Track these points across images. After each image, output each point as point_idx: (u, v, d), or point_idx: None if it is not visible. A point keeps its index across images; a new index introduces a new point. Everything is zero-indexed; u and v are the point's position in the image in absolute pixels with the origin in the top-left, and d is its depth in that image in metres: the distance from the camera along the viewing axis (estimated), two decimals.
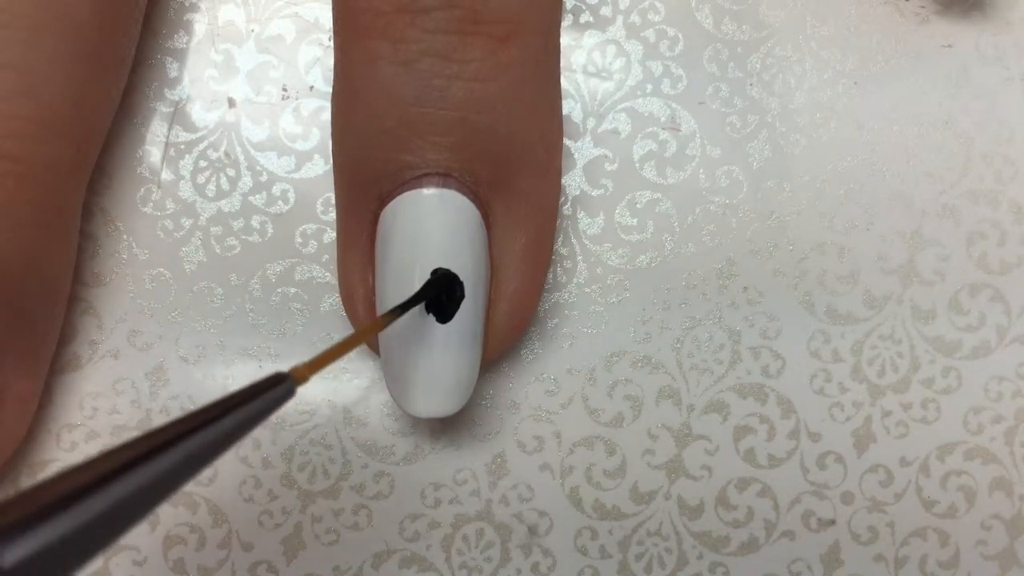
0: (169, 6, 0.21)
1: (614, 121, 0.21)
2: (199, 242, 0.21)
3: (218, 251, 0.21)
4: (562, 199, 0.21)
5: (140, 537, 0.20)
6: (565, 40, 0.21)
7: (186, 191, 0.21)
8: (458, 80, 0.16)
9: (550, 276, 0.21)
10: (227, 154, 0.21)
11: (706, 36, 0.21)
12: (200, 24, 0.21)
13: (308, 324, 0.21)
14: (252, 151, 0.21)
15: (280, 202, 0.21)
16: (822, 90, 0.21)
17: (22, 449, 0.20)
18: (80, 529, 0.09)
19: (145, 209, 0.21)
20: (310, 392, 0.21)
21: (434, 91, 0.16)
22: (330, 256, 0.21)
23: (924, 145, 0.21)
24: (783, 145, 0.21)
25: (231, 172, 0.21)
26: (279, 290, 0.21)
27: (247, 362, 0.21)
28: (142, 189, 0.21)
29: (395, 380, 0.17)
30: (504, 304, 0.18)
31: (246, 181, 0.21)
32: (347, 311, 0.19)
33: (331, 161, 0.19)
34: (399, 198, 0.17)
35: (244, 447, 0.20)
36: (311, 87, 0.21)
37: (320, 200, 0.21)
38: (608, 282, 0.21)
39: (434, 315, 0.17)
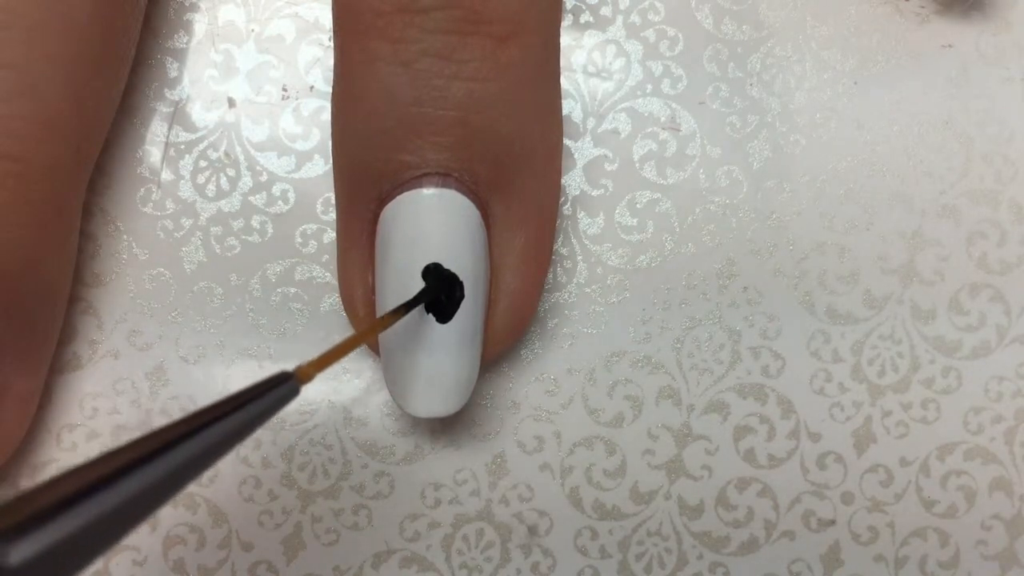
0: (169, 6, 0.21)
1: (614, 121, 0.21)
2: (199, 242, 0.21)
3: (218, 251, 0.21)
4: (562, 199, 0.21)
5: (140, 537, 0.20)
6: (565, 40, 0.21)
7: (186, 191, 0.21)
8: (457, 80, 0.16)
9: (550, 276, 0.21)
10: (227, 154, 0.21)
11: (706, 36, 0.21)
12: (200, 24, 0.21)
13: (308, 324, 0.21)
14: (252, 151, 0.21)
15: (280, 202, 0.21)
16: (822, 90, 0.21)
17: (22, 449, 0.20)
18: (85, 529, 0.09)
19: (145, 209, 0.21)
20: (310, 392, 0.21)
21: (434, 91, 0.16)
22: (330, 256, 0.21)
23: (924, 145, 0.21)
24: (783, 145, 0.21)
25: (231, 172, 0.21)
26: (279, 290, 0.21)
27: (247, 362, 0.21)
28: (142, 189, 0.21)
29: (395, 380, 0.17)
30: (504, 304, 0.18)
31: (246, 181, 0.21)
32: (347, 311, 0.19)
33: (331, 161, 0.19)
34: (399, 198, 0.17)
35: (244, 447, 0.20)
36: (311, 87, 0.21)
37: (320, 200, 0.21)
38: (608, 282, 0.21)
39: (434, 315, 0.17)
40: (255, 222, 0.21)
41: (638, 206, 0.21)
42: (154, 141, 0.21)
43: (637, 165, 0.21)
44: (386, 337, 0.17)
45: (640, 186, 0.21)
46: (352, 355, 0.21)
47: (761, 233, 0.21)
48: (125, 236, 0.21)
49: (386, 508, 0.20)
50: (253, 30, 0.21)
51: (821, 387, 0.21)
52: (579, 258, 0.21)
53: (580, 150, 0.21)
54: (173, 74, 0.21)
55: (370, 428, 0.21)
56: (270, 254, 0.21)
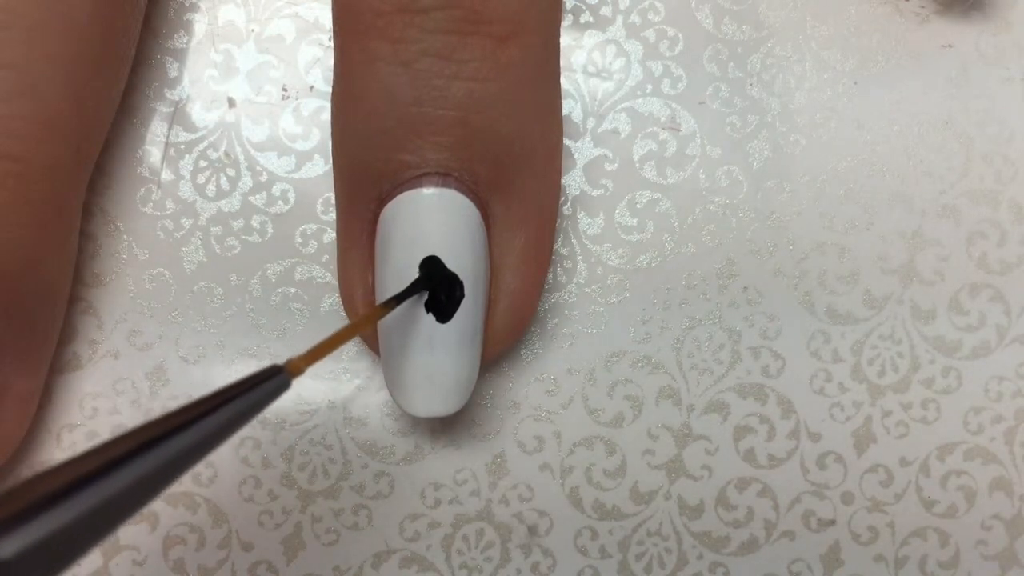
0: (169, 6, 0.21)
1: (614, 121, 0.21)
2: (199, 242, 0.21)
3: (218, 251, 0.21)
4: (562, 199, 0.21)
5: (140, 537, 0.20)
6: (565, 40, 0.21)
7: (186, 191, 0.21)
8: (457, 80, 0.16)
9: (550, 276, 0.21)
10: (227, 154, 0.21)
11: (706, 36, 0.21)
12: (200, 24, 0.21)
13: (308, 324, 0.21)
14: (252, 151, 0.21)
15: (280, 202, 0.21)
16: (822, 90, 0.21)
17: (22, 449, 0.20)
18: (77, 522, 0.09)
19: (145, 209, 0.21)
20: (310, 392, 0.21)
21: (433, 91, 0.16)
22: (330, 256, 0.21)
23: (924, 145, 0.21)
24: (783, 145, 0.21)
25: (231, 172, 0.21)
26: (279, 290, 0.21)
27: (247, 362, 0.21)
28: (142, 189, 0.21)
29: (395, 380, 0.17)
30: (504, 304, 0.18)
31: (246, 181, 0.21)
32: (347, 311, 0.19)
33: (331, 161, 0.19)
34: (399, 198, 0.17)
35: (244, 447, 0.20)
36: (311, 87, 0.21)
37: (320, 200, 0.21)
38: (608, 282, 0.21)
39: (434, 315, 0.17)
40: (255, 222, 0.21)
41: (638, 206, 0.21)
42: (154, 141, 0.21)
43: (637, 165, 0.21)
44: (386, 337, 0.17)
45: (640, 186, 0.21)
46: (352, 355, 0.21)
47: (761, 233, 0.21)
48: (125, 236, 0.21)
49: (386, 508, 0.20)
50: (253, 30, 0.21)
51: (821, 387, 0.21)
52: (579, 258, 0.21)
53: (580, 150, 0.21)
54: (173, 74, 0.21)
55: (370, 428, 0.21)
56: (270, 254, 0.21)
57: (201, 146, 0.21)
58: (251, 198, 0.21)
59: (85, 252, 0.20)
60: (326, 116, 0.21)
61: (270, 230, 0.21)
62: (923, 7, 0.22)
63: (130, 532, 0.20)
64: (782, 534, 0.21)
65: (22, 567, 0.09)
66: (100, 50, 0.17)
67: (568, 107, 0.21)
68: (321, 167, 0.21)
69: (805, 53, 0.21)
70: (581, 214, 0.21)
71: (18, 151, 0.16)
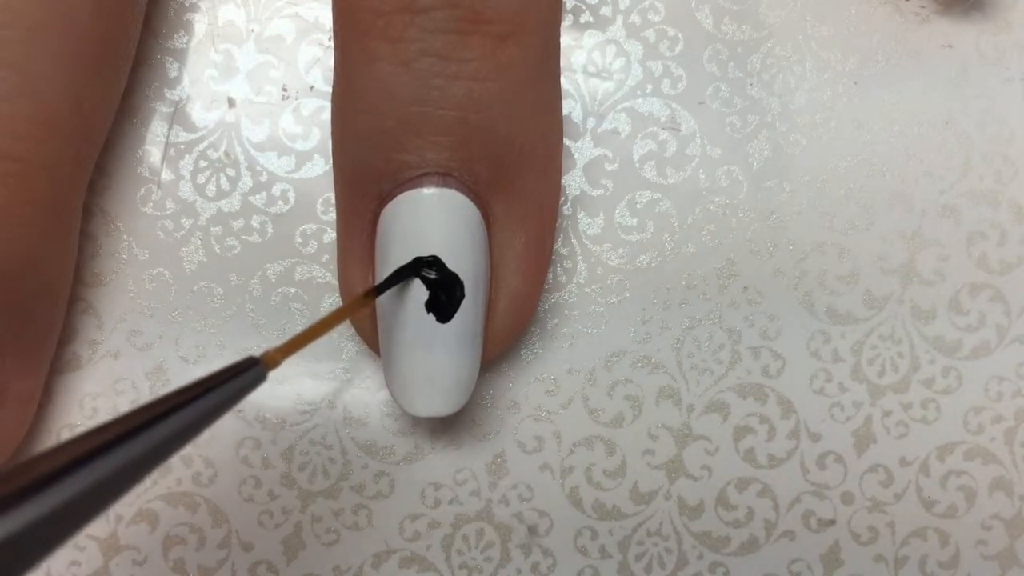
0: (169, 6, 0.21)
1: (614, 121, 0.21)
2: (199, 242, 0.21)
3: (218, 251, 0.21)
4: (562, 199, 0.21)
5: (140, 537, 0.20)
6: (565, 40, 0.21)
7: (186, 191, 0.21)
8: (457, 80, 0.16)
9: (550, 276, 0.21)
10: (227, 154, 0.21)
11: (706, 36, 0.21)
12: (200, 24, 0.21)
13: (308, 324, 0.21)
14: (252, 151, 0.21)
15: (280, 202, 0.21)
16: (822, 90, 0.21)
17: (22, 449, 0.20)
18: (52, 514, 0.09)
19: (145, 209, 0.21)
20: (310, 392, 0.21)
21: (433, 91, 0.16)
22: (330, 256, 0.21)
23: (924, 145, 0.21)
24: (783, 145, 0.21)
25: (231, 172, 0.21)
26: (279, 290, 0.21)
27: None
28: (142, 189, 0.21)
29: (395, 380, 0.17)
30: (504, 304, 0.18)
31: (246, 181, 0.21)
32: None
33: (331, 161, 0.19)
34: (399, 198, 0.17)
35: (244, 447, 0.20)
36: (311, 87, 0.21)
37: (320, 200, 0.21)
38: (608, 282, 0.21)
39: (434, 315, 0.17)
40: (255, 222, 0.21)
41: (638, 206, 0.21)
42: (154, 141, 0.21)
43: (637, 165, 0.21)
44: (386, 337, 0.17)
45: (640, 186, 0.21)
46: (352, 355, 0.21)
47: (761, 233, 0.21)
48: (125, 236, 0.21)
49: (386, 508, 0.20)
50: (253, 30, 0.21)
51: (821, 387, 0.21)
52: (579, 258, 0.21)
53: (580, 150, 0.21)
54: (173, 74, 0.21)
55: (370, 428, 0.21)
56: (270, 254, 0.21)
57: (201, 146, 0.21)
58: (251, 198, 0.21)
59: (85, 252, 0.20)
60: (326, 116, 0.21)
61: (270, 230, 0.21)
62: (923, 7, 0.22)
63: (130, 532, 0.20)
64: (782, 534, 0.21)
65: None
66: (100, 50, 0.17)
67: (568, 107, 0.21)
68: (321, 167, 0.21)
69: (805, 53, 0.21)
70: (581, 214, 0.21)
71: (18, 151, 0.16)
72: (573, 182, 0.21)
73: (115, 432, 0.10)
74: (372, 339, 0.18)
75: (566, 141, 0.21)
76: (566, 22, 0.21)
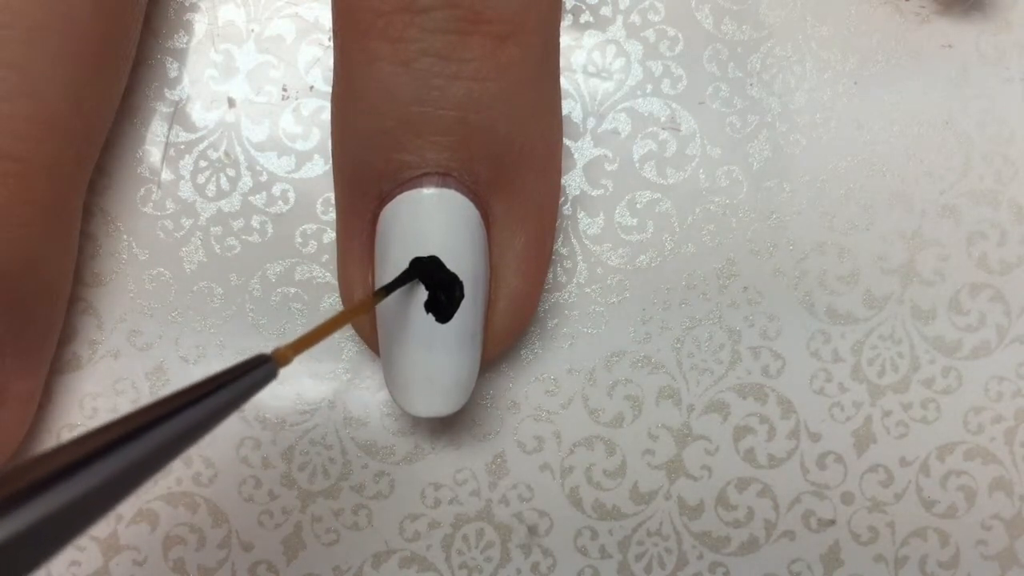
0: (169, 6, 0.21)
1: (614, 121, 0.21)
2: (199, 242, 0.21)
3: (218, 251, 0.21)
4: (562, 199, 0.21)
5: (140, 537, 0.20)
6: (565, 40, 0.21)
7: (186, 191, 0.21)
8: (457, 80, 0.16)
9: (550, 276, 0.21)
10: (227, 154, 0.21)
11: (706, 36, 0.21)
12: (200, 24, 0.21)
13: (308, 324, 0.21)
14: (252, 151, 0.21)
15: (280, 202, 0.21)
16: (822, 90, 0.21)
17: (22, 449, 0.20)
18: (60, 512, 0.09)
19: (145, 209, 0.21)
20: (310, 392, 0.21)
21: (433, 91, 0.16)
22: (330, 256, 0.21)
23: (924, 145, 0.21)
24: (783, 145, 0.21)
25: (231, 172, 0.21)
26: (279, 290, 0.21)
27: None
28: (142, 189, 0.21)
29: (395, 380, 0.17)
30: (504, 304, 0.18)
31: (246, 181, 0.21)
32: None
33: (331, 161, 0.19)
34: (399, 198, 0.17)
35: (244, 447, 0.20)
36: (311, 87, 0.21)
37: (320, 200, 0.21)
38: (608, 282, 0.21)
39: (434, 315, 0.17)
40: (255, 222, 0.21)
41: (638, 206, 0.21)
42: (154, 141, 0.21)
43: (637, 165, 0.21)
44: (386, 337, 0.17)
45: (640, 186, 0.21)
46: (352, 355, 0.21)
47: (761, 233, 0.21)
48: (125, 236, 0.21)
49: (386, 508, 0.20)
50: (253, 30, 0.21)
51: (821, 387, 0.21)
52: (579, 258, 0.21)
53: (580, 150, 0.21)
54: (173, 74, 0.21)
55: (370, 428, 0.21)
56: (270, 254, 0.21)
57: (201, 146, 0.21)
58: (251, 198, 0.21)
59: (85, 252, 0.20)
60: (326, 116, 0.21)
61: (270, 230, 0.21)
62: (923, 7, 0.22)
63: (130, 532, 0.20)
64: (782, 534, 0.21)
65: None
66: (100, 50, 0.17)
67: (568, 107, 0.21)
68: (321, 167, 0.21)
69: (805, 53, 0.21)
70: (581, 214, 0.21)
71: (18, 151, 0.16)
72: (573, 182, 0.21)
73: (125, 430, 0.10)
74: (372, 339, 0.18)
75: (566, 141, 0.21)
76: (566, 22, 0.21)
